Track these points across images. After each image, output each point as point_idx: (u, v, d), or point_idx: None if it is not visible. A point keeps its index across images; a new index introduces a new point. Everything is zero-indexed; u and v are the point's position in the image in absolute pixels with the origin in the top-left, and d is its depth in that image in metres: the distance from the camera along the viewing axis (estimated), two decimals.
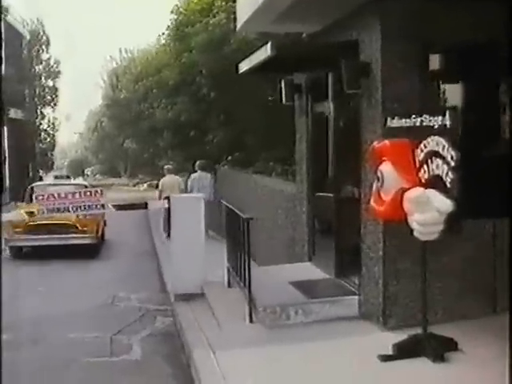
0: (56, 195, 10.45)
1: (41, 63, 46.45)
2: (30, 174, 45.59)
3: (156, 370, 7.31)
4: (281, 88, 10.34)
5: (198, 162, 18.91)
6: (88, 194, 10.42)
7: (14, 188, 42.83)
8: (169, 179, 19.02)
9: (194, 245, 10.11)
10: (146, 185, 52.50)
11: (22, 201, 17.55)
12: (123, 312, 10.36)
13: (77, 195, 10.39)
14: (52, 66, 46.90)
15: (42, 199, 10.41)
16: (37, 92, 45.01)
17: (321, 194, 9.78)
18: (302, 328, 7.79)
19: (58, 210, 10.40)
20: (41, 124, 46.11)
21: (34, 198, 15.12)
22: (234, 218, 9.14)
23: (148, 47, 42.62)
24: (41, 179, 52.80)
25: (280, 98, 10.31)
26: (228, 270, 9.85)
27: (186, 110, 21.05)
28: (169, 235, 19.95)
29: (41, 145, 46.07)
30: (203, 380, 6.30)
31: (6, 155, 38.00)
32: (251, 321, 8.03)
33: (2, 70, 26.10)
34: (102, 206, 10.38)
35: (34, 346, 8.35)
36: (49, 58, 46.65)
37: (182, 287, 10.18)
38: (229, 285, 9.88)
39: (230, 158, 18.75)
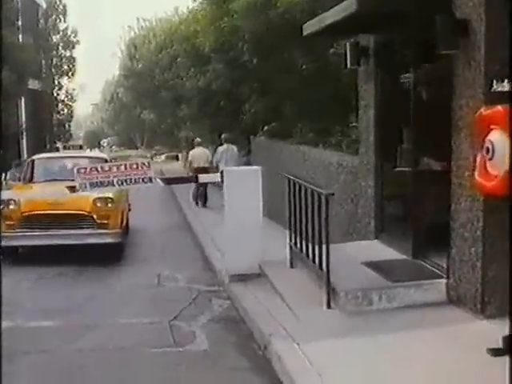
0: (99, 168, 9.56)
1: (58, 33, 45.44)
2: (48, 145, 44.82)
3: (230, 362, 6.52)
4: (345, 52, 9.46)
5: (224, 135, 19.38)
6: (134, 166, 9.53)
7: None
8: (198, 151, 20.07)
9: (250, 221, 9.33)
10: (163, 156, 51.75)
11: (20, 179, 13.81)
12: (172, 294, 9.57)
13: (122, 168, 9.51)
14: (69, 36, 45.84)
15: (84, 173, 9.53)
16: (54, 62, 43.99)
17: (393, 166, 8.95)
18: (387, 315, 7.01)
19: (102, 184, 9.52)
20: (58, 95, 45.19)
21: (35, 175, 13.35)
22: (300, 192, 8.33)
23: (167, 16, 41.59)
24: (58, 151, 52.32)
25: (345, 63, 9.38)
26: (290, 249, 9.02)
27: (219, 78, 20.15)
28: (197, 204, 20.25)
29: (58, 116, 45.17)
30: (296, 378, 5.50)
31: (24, 127, 37.10)
32: (329, 306, 7.24)
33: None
34: (150, 179, 9.48)
35: (88, 333, 7.59)
36: (66, 28, 45.58)
37: (237, 267, 9.42)
38: (291, 265, 9.05)
39: (265, 128, 17.78)
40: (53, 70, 44.31)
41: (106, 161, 12.92)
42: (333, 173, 11.03)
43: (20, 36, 34.95)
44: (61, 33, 45.44)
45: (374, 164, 9.36)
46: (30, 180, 13.39)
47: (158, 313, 8.36)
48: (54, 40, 44.50)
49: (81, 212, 11.56)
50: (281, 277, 8.72)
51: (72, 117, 47.85)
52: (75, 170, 9.65)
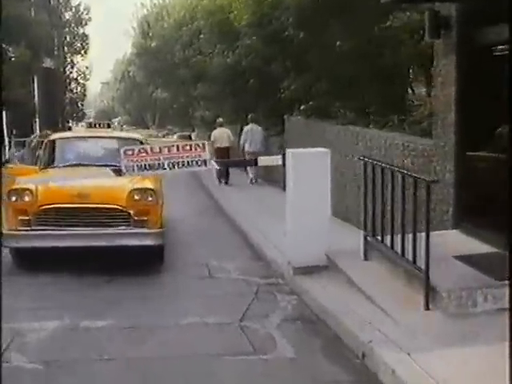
0: (149, 150, 8.68)
1: (70, 10, 44.44)
2: (60, 125, 43.95)
3: (327, 375, 5.66)
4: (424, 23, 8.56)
5: (250, 115, 19.73)
6: (187, 147, 8.66)
7: None
8: (219, 131, 20.29)
9: (317, 208, 8.47)
10: (175, 136, 50.84)
11: (36, 163, 11.75)
12: (229, 287, 8.72)
13: (174, 149, 8.62)
14: (81, 13, 44.85)
15: (132, 155, 8.66)
16: (66, 39, 43.06)
17: (478, 149, 8.05)
18: (494, 318, 6.12)
19: (151, 167, 8.64)
20: (71, 73, 44.33)
21: (55, 158, 11.31)
22: (383, 177, 7.47)
23: None
24: (70, 130, 51.40)
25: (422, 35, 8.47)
26: (365, 240, 8.17)
27: (249, 55, 19.24)
28: (220, 182, 19.72)
29: (71, 94, 44.32)
30: None
31: (37, 105, 36.16)
32: (427, 307, 6.38)
33: None
34: (205, 162, 8.61)
35: (151, 336, 6.74)
36: (78, 5, 44.61)
37: (301, 258, 8.58)
38: (365, 257, 8.20)
39: (302, 107, 16.86)
40: (65, 47, 43.24)
41: (141, 142, 11.16)
42: (396, 156, 10.14)
43: (33, 12, 33.89)
44: (73, 9, 44.37)
45: (453, 146, 8.47)
46: (48, 164, 11.04)
47: (221, 310, 7.54)
48: (67, 17, 43.49)
49: (114, 206, 9.29)
50: (357, 270, 7.89)
51: (85, 95, 47.17)
52: (122, 152, 8.75)
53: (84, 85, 45.99)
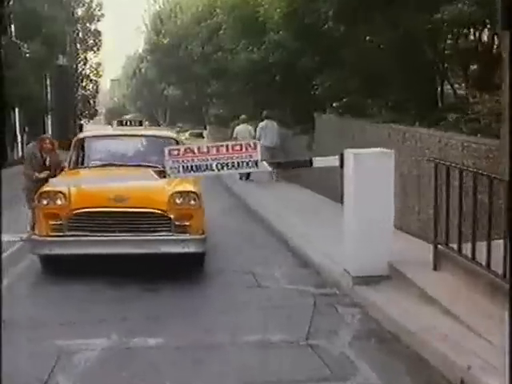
0: (195, 150, 8.01)
1: (82, 6, 43.81)
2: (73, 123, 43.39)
3: None
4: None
5: (265, 112, 19.85)
6: (237, 147, 7.99)
7: (56, 140, 40.82)
8: (242, 128, 20.32)
9: (380, 214, 7.80)
10: (187, 134, 50.23)
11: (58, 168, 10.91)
12: (283, 298, 8.04)
13: (223, 149, 7.95)
14: (94, 9, 44.20)
15: (177, 155, 8.00)
16: (79, 36, 42.40)
17: None
18: None
19: (197, 168, 7.98)
20: (83, 70, 43.68)
21: (84, 158, 10.58)
22: (462, 181, 6.79)
23: None
24: (81, 128, 50.84)
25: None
26: (435, 248, 7.49)
27: (277, 50, 18.56)
28: (241, 178, 19.41)
29: (83, 91, 43.67)
30: None
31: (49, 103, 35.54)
32: None
33: None
34: (255, 163, 7.95)
35: (213, 356, 6.08)
36: (91, 1, 43.99)
37: (361, 267, 7.94)
38: (435, 267, 7.52)
39: (335, 104, 16.15)
40: (77, 44, 42.62)
41: (177, 142, 10.55)
42: (454, 157, 9.43)
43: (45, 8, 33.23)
44: (86, 5, 43.74)
45: None
46: (77, 165, 10.36)
47: (281, 326, 6.88)
48: (80, 13, 42.88)
49: (153, 210, 8.62)
50: (429, 281, 7.22)
51: (97, 92, 46.47)
52: (166, 151, 8.10)
53: (96, 82, 45.39)
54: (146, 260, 8.87)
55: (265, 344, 6.33)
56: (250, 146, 8.01)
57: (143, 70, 57.08)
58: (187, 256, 8.87)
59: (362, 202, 7.79)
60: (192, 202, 8.83)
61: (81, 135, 11.46)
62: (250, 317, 7.24)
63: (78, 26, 42.47)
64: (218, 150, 8.00)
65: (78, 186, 9.04)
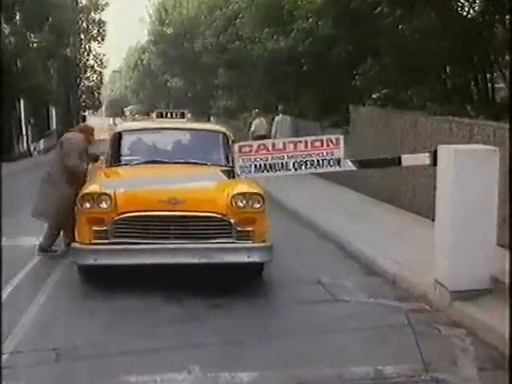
0: (270, 146, 7.00)
1: None
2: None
3: None
4: None
5: (280, 106, 20.07)
6: (318, 143, 6.98)
7: (61, 132, 39.74)
8: (259, 121, 20.28)
9: (481, 221, 6.80)
10: None
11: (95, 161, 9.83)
12: (369, 316, 7.06)
13: (301, 145, 6.95)
14: None
15: (250, 152, 7.00)
16: (83, 26, 41.22)
17: None
18: None
19: (272, 167, 6.97)
20: (87, 60, 42.52)
21: (122, 155, 9.46)
22: None
23: None
24: (84, 120, 49.71)
25: None
26: None
27: (307, 39, 17.54)
28: None
29: (87, 82, 42.54)
30: None
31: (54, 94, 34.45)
32: None
33: None
34: (338, 161, 6.96)
35: None
36: None
37: (458, 280, 6.95)
38: None
39: (375, 95, 15.15)
40: (81, 34, 41.48)
41: (226, 136, 9.68)
42: None
43: None
44: None
45: None
46: (114, 162, 9.24)
47: (387, 353, 5.92)
48: (84, 2, 41.74)
49: (212, 214, 7.55)
50: None
51: (102, 83, 45.32)
52: (236, 148, 7.08)
53: (100, 73, 44.23)
54: (198, 270, 7.82)
55: (380, 379, 5.31)
56: (331, 141, 7.01)
57: (145, 61, 55.92)
58: (245, 265, 7.83)
59: (462, 206, 6.77)
60: (256, 204, 7.78)
61: (118, 129, 10.26)
62: (343, 341, 6.26)
63: (82, 16, 41.20)
64: (295, 147, 7.01)
65: (125, 186, 7.86)
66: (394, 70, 15.01)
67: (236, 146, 7.02)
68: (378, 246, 9.79)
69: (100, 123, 62.95)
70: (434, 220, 11.23)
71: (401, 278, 8.25)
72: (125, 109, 65.37)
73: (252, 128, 19.71)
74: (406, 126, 12.88)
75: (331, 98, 18.32)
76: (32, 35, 26.59)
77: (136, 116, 63.22)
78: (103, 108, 61.07)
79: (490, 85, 13.79)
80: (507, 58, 13.17)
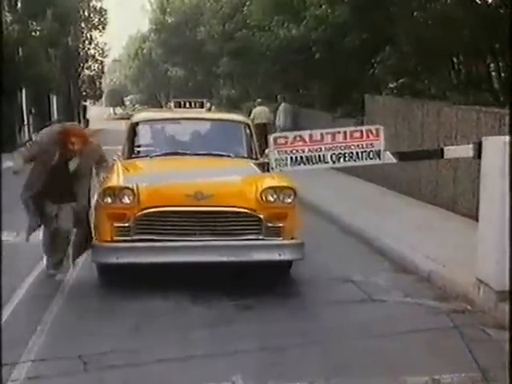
0: (307, 138, 6.60)
1: None
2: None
3: None
4: None
5: (280, 96, 21.83)
6: (357, 134, 6.59)
7: (62, 122, 39.35)
8: (259, 110, 21.04)
9: None
10: None
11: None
12: (409, 317, 6.66)
13: (339, 137, 6.56)
14: None
15: (285, 144, 6.60)
16: (84, 14, 40.60)
17: None
18: None
19: (308, 160, 6.57)
20: (88, 49, 41.96)
21: (141, 146, 9.00)
22: None
23: None
24: (84, 110, 49.32)
25: None
26: None
27: (319, 26, 17.11)
28: None
29: (89, 72, 42.00)
30: None
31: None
32: None
33: None
34: (378, 154, 6.57)
35: None
36: None
37: (507, 280, 6.47)
38: None
39: (393, 84, 14.74)
40: (82, 23, 40.90)
41: (249, 127, 9.28)
42: None
43: None
44: None
45: None
46: (132, 154, 8.72)
47: (438, 359, 5.53)
48: None
49: (240, 209, 7.15)
50: None
51: (103, 73, 44.81)
52: (271, 139, 6.68)
53: (102, 62, 43.69)
54: (223, 267, 7.43)
55: None
56: (371, 132, 6.61)
57: (146, 51, 55.51)
58: (274, 263, 7.48)
59: (503, 198, 6.35)
60: (287, 199, 7.35)
61: (135, 119, 9.70)
62: (388, 346, 5.87)
63: (83, 4, 40.65)
64: (333, 138, 6.60)
65: (148, 180, 7.43)
66: (412, 59, 14.60)
67: (271, 138, 6.63)
68: (406, 240, 9.43)
69: (100, 113, 62.70)
70: (455, 212, 11.01)
71: (436, 276, 7.85)
72: (125, 98, 65.05)
73: (251, 116, 19.70)
74: (429, 115, 12.47)
75: (343, 88, 17.89)
76: (34, 23, 26.01)
77: (136, 105, 62.86)
78: (103, 98, 60.54)
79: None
80: None
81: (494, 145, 6.54)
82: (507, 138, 6.55)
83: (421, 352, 5.71)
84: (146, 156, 8.79)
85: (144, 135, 9.35)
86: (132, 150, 8.95)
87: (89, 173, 7.66)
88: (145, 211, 7.10)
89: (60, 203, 7.42)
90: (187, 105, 9.90)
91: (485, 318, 6.53)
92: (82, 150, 7.32)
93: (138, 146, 9.12)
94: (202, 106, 9.90)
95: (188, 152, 8.71)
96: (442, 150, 6.79)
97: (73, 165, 7.41)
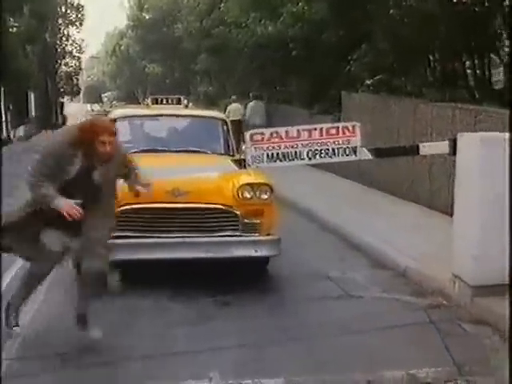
0: (283, 134, 6.64)
1: None
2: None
3: None
4: None
5: (252, 93, 21.76)
6: (333, 131, 6.64)
7: (40, 119, 39.05)
8: (233, 107, 21.49)
9: (504, 212, 6.46)
10: None
11: None
12: (387, 313, 6.72)
13: (315, 133, 6.61)
14: None
15: (261, 140, 6.63)
16: (62, 10, 40.32)
17: None
18: None
19: (284, 157, 6.62)
20: (65, 46, 41.69)
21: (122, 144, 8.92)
22: None
23: None
24: (62, 107, 49.00)
25: None
26: None
27: (296, 23, 17.17)
28: None
29: (66, 68, 41.75)
30: None
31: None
32: None
33: None
34: (354, 150, 6.64)
35: None
36: None
37: (481, 275, 6.60)
38: None
39: (369, 81, 14.82)
40: (59, 19, 40.62)
41: (226, 122, 9.35)
42: None
43: None
44: None
45: None
46: None
47: (415, 354, 5.58)
48: None
49: (217, 206, 7.16)
50: None
51: (80, 69, 44.59)
52: (248, 136, 6.72)
53: (79, 58, 43.50)
54: (200, 263, 7.45)
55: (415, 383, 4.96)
56: (347, 128, 6.67)
57: (123, 47, 55.29)
58: (251, 259, 7.45)
59: (487, 197, 6.45)
60: (264, 195, 7.36)
61: (113, 115, 9.63)
62: (366, 341, 5.90)
63: (60, 0, 40.39)
64: (310, 135, 6.65)
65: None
66: (389, 56, 14.69)
67: (247, 134, 6.66)
68: (383, 236, 9.52)
69: (78, 109, 62.31)
70: (431, 208, 11.11)
71: (412, 271, 7.94)
72: (103, 95, 64.76)
73: (226, 113, 19.71)
74: (405, 112, 12.55)
75: (321, 85, 17.95)
76: (11, 19, 25.83)
77: (113, 102, 62.58)
78: (81, 94, 60.22)
79: (487, 70, 13.53)
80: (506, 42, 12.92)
81: (469, 141, 6.62)
82: (483, 134, 6.66)
83: (398, 347, 5.76)
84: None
85: (121, 132, 9.22)
86: None
87: (115, 187, 5.85)
88: (122, 208, 6.96)
89: (77, 231, 5.45)
90: (164, 101, 9.91)
91: (460, 312, 6.60)
92: (112, 154, 5.39)
93: None
94: (179, 103, 9.95)
95: (165, 149, 8.73)
96: (418, 147, 6.83)
97: (99, 175, 5.43)
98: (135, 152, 8.47)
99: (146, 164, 7.86)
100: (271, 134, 6.66)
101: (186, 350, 5.61)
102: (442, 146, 6.88)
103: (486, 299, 6.51)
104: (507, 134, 6.60)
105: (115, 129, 5.49)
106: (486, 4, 12.34)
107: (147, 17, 45.99)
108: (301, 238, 9.72)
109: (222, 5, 23.57)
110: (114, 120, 9.08)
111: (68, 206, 5.14)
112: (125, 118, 9.61)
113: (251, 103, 21.00)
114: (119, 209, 6.93)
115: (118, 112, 10.29)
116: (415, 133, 11.85)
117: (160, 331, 6.09)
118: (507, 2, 12.19)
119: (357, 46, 15.06)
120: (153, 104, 9.92)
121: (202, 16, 26.81)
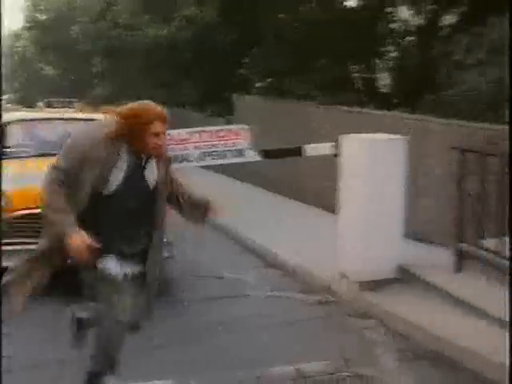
0: (175, 136, 6.76)
1: None
2: None
3: None
4: None
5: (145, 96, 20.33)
6: (221, 134, 6.81)
7: None
8: None
9: (389, 211, 6.84)
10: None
11: None
12: (275, 310, 6.94)
13: (205, 135, 6.77)
14: None
15: None
16: None
17: None
18: None
19: (174, 159, 6.72)
20: None
21: (11, 147, 8.66)
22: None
23: None
24: None
25: None
26: (459, 251, 6.62)
27: (191, 26, 17.27)
28: None
29: None
30: None
31: None
32: None
33: None
34: (240, 152, 6.84)
35: None
36: None
37: (365, 271, 6.96)
38: (458, 269, 6.67)
39: (259, 84, 15.13)
40: None
41: None
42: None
43: None
44: None
45: None
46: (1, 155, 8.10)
47: (304, 350, 5.77)
48: None
49: None
50: (455, 284, 6.36)
51: None
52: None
53: None
54: None
55: (301, 378, 5.16)
56: (236, 131, 6.85)
57: (20, 49, 53.83)
58: None
59: (368, 197, 6.78)
60: None
61: (4, 119, 9.55)
62: (257, 339, 6.05)
63: None
64: (200, 137, 6.79)
65: (16, 181, 7.26)
66: (280, 60, 14.97)
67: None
68: (274, 236, 9.77)
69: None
70: (321, 207, 11.42)
71: (301, 270, 8.18)
72: None
73: None
74: (294, 115, 12.84)
75: (213, 87, 18.11)
76: None
77: (8, 106, 60.77)
78: None
79: (372, 74, 14.00)
80: (389, 47, 13.42)
81: (351, 143, 6.92)
82: (364, 135, 6.97)
83: (287, 343, 5.93)
84: (15, 157, 8.64)
85: (12, 136, 9.17)
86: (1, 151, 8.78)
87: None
88: (14, 213, 6.95)
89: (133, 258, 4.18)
90: (57, 105, 9.86)
91: (347, 308, 6.87)
92: (165, 149, 4.15)
93: (6, 147, 8.95)
94: (72, 106, 9.88)
95: (57, 152, 8.61)
96: (302, 148, 7.06)
97: (152, 173, 4.12)
98: (28, 156, 8.47)
99: (36, 169, 7.84)
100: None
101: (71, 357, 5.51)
102: (326, 148, 7.13)
103: (371, 294, 6.81)
104: (389, 136, 6.95)
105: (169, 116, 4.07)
106: (371, 10, 12.71)
107: (43, 18, 44.85)
108: (193, 241, 9.79)
109: (116, 7, 23.27)
110: (6, 124, 9.04)
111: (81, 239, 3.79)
112: (17, 122, 9.54)
113: None
114: (11, 214, 6.88)
115: (9, 116, 10.13)
116: (305, 135, 12.12)
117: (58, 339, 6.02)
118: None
119: (249, 50, 15.23)
120: (46, 107, 9.83)
121: (97, 17, 26.42)
